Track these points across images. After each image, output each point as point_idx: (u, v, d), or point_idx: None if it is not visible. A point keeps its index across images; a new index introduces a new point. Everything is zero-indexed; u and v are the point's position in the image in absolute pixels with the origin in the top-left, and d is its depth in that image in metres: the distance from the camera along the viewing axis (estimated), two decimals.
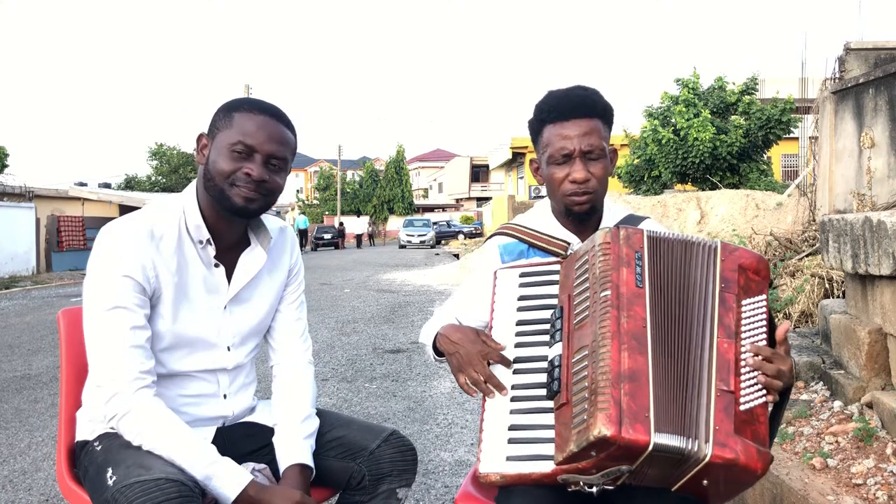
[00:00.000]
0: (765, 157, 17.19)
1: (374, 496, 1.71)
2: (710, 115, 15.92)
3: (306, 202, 54.95)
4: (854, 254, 3.12)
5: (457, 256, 23.85)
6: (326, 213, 51.53)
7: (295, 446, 1.67)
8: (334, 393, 5.12)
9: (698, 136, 15.44)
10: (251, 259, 1.73)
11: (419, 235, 36.80)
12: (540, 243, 1.71)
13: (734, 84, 16.92)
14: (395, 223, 49.31)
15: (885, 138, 5.62)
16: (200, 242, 1.65)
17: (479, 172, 58.84)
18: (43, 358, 6.79)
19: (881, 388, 3.07)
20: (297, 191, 65.90)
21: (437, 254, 28.39)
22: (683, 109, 15.89)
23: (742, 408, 1.33)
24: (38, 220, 20.35)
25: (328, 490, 1.79)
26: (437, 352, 1.70)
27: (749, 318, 1.41)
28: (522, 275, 1.60)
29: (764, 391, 1.37)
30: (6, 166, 22.98)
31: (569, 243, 1.68)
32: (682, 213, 11.13)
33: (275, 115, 1.64)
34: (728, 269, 1.42)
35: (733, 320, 1.39)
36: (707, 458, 1.28)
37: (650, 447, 1.25)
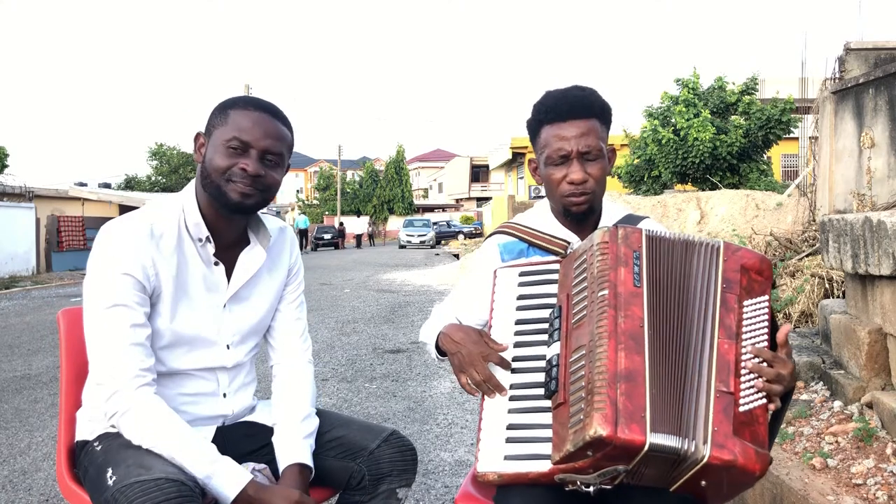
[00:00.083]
0: (765, 157, 17.19)
1: (374, 496, 1.71)
2: (710, 115, 15.92)
3: (306, 202, 54.96)
4: (854, 254, 3.12)
5: (457, 256, 23.85)
6: (326, 213, 51.54)
7: (294, 446, 1.67)
8: (334, 393, 5.12)
9: (698, 136, 15.44)
10: (251, 257, 1.73)
11: (419, 235, 36.80)
12: (540, 242, 1.71)
13: (734, 84, 16.92)
14: (395, 223, 49.32)
15: (885, 138, 5.62)
16: (200, 240, 1.65)
17: (479, 172, 58.85)
18: (43, 358, 6.79)
19: (881, 388, 3.07)
20: (297, 191, 65.93)
21: (437, 254, 28.39)
22: (683, 109, 15.89)
23: (741, 409, 1.33)
24: (38, 220, 20.35)
25: (328, 490, 1.79)
26: (440, 351, 1.70)
27: (751, 319, 1.40)
28: (522, 274, 1.60)
29: (764, 393, 1.37)
30: (6, 166, 22.98)
31: (568, 242, 1.68)
32: (682, 213, 11.13)
33: (270, 111, 1.65)
34: (730, 269, 1.42)
35: (734, 321, 1.38)
36: (705, 459, 1.28)
37: (646, 447, 1.25)
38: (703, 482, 1.33)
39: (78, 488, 1.65)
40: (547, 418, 1.40)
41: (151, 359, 1.58)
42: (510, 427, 1.44)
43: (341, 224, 42.04)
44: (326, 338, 7.52)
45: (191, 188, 1.69)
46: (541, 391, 1.43)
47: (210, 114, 1.66)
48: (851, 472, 2.57)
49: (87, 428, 1.67)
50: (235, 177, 1.59)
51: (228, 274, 1.71)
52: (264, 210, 1.83)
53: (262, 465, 1.65)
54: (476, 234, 40.43)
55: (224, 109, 1.63)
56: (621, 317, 1.34)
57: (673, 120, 16.29)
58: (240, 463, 1.55)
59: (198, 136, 1.67)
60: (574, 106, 1.63)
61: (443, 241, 38.70)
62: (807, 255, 5.85)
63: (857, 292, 3.33)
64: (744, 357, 1.37)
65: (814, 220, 6.73)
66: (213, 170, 1.60)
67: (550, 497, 1.41)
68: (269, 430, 1.76)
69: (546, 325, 1.50)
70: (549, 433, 1.38)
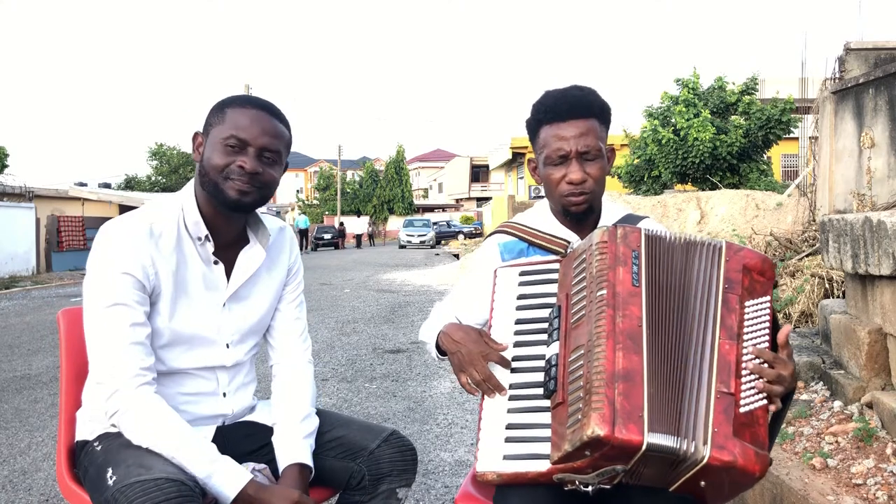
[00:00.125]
0: (765, 157, 17.19)
1: (374, 496, 1.71)
2: (710, 115, 15.93)
3: (306, 202, 54.96)
4: (854, 254, 3.12)
5: (457, 256, 23.86)
6: (326, 213, 51.54)
7: (294, 446, 1.67)
8: (334, 393, 5.12)
9: (698, 136, 15.44)
10: (250, 256, 1.73)
11: (419, 235, 36.80)
12: (540, 242, 1.71)
13: (734, 84, 16.92)
14: (395, 223, 49.32)
15: (885, 138, 5.62)
16: (199, 239, 1.66)
17: (479, 172, 58.85)
18: (43, 358, 6.79)
19: (881, 388, 3.07)
20: (297, 191, 65.92)
21: (437, 254, 28.40)
22: (683, 109, 15.90)
23: (742, 410, 1.33)
24: (38, 220, 20.35)
25: (328, 490, 1.79)
26: (440, 350, 1.70)
27: (752, 319, 1.40)
28: (522, 273, 1.60)
29: (765, 394, 1.37)
30: (6, 166, 22.99)
31: (568, 242, 1.68)
32: (682, 213, 11.13)
33: (267, 108, 1.66)
34: (732, 269, 1.42)
35: (736, 322, 1.38)
36: (705, 460, 1.27)
37: (643, 447, 1.25)
38: (703, 482, 1.33)
39: (78, 488, 1.65)
40: (546, 418, 1.40)
41: (151, 358, 1.58)
42: (509, 427, 1.44)
43: (341, 224, 42.05)
44: (326, 338, 7.52)
45: (190, 187, 1.69)
46: (540, 391, 1.43)
47: (208, 113, 1.67)
48: (851, 472, 2.57)
49: (87, 428, 1.67)
50: (233, 174, 1.60)
51: (228, 273, 1.71)
52: (264, 210, 1.84)
53: (262, 465, 1.65)
54: (476, 234, 40.44)
55: (221, 108, 1.64)
56: (619, 316, 1.34)
57: (673, 120, 16.30)
58: (240, 463, 1.55)
59: (196, 135, 1.68)
60: (573, 106, 1.63)
61: (443, 241, 38.70)
62: (807, 255, 5.86)
63: (857, 292, 3.33)
64: (745, 358, 1.37)
65: (814, 220, 6.73)
66: (211, 168, 1.61)
67: (550, 497, 1.41)
68: (269, 430, 1.76)
69: (546, 325, 1.50)
70: (548, 433, 1.38)
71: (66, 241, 21.75)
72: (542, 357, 1.47)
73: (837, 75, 6.46)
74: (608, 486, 1.34)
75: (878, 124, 5.70)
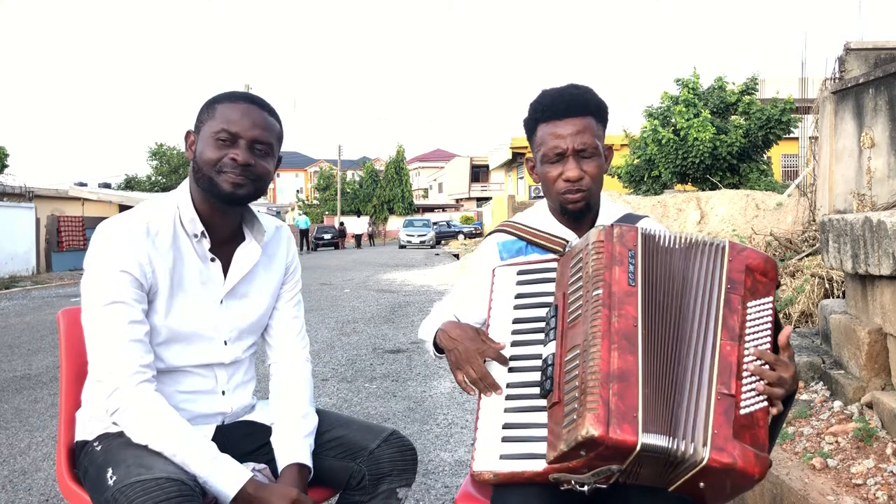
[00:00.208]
0: (765, 157, 17.19)
1: (374, 496, 1.72)
2: (710, 115, 15.93)
3: (306, 202, 54.98)
4: (854, 254, 3.12)
5: (457, 256, 23.86)
6: (326, 213, 51.55)
7: (293, 445, 1.68)
8: (334, 393, 5.12)
9: (698, 136, 15.44)
10: (246, 253, 1.74)
11: (419, 235, 36.81)
12: (538, 240, 1.72)
13: (734, 84, 16.92)
14: (395, 223, 49.34)
15: (885, 138, 5.62)
16: (196, 236, 1.67)
17: (479, 172, 58.86)
18: (43, 358, 6.79)
19: (881, 388, 3.07)
20: (297, 191, 65.93)
21: (437, 254, 28.40)
22: (683, 109, 15.90)
23: (742, 412, 1.32)
24: (38, 220, 20.35)
25: (328, 490, 1.79)
26: (438, 348, 1.70)
27: (754, 320, 1.40)
28: (520, 272, 1.60)
29: (765, 396, 1.37)
30: (6, 166, 22.99)
31: (567, 241, 1.68)
32: (682, 213, 11.13)
33: (257, 102, 1.68)
34: (735, 269, 1.41)
35: (738, 322, 1.38)
36: (704, 462, 1.27)
37: (638, 447, 1.25)
38: (702, 484, 1.32)
39: (78, 488, 1.65)
40: (542, 418, 1.40)
41: (150, 355, 1.59)
42: (506, 426, 1.44)
43: (342, 224, 42.05)
44: (326, 338, 7.52)
45: (185, 186, 1.71)
46: (537, 390, 1.43)
47: (199, 111, 1.69)
48: (851, 472, 2.57)
49: (87, 428, 1.67)
50: (226, 167, 1.61)
51: (225, 270, 1.72)
52: (264, 210, 1.84)
53: (262, 465, 1.66)
54: (476, 234, 40.44)
55: (211, 105, 1.66)
56: (615, 316, 1.34)
57: (673, 120, 16.30)
58: (240, 463, 1.55)
59: (188, 134, 1.69)
60: (570, 104, 1.64)
61: (443, 241, 38.71)
62: (807, 255, 5.86)
63: (857, 292, 3.33)
64: (746, 359, 1.36)
65: (814, 220, 6.73)
66: (203, 163, 1.62)
67: (547, 496, 1.41)
68: (268, 430, 1.76)
69: (543, 324, 1.50)
70: (544, 432, 1.38)
71: (66, 241, 21.75)
72: (539, 356, 1.47)
73: (837, 75, 6.46)
74: (604, 486, 1.34)
75: (878, 124, 5.70)
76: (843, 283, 4.58)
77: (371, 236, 45.17)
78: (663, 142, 16.07)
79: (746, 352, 1.37)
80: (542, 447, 1.37)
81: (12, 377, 5.95)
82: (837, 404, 3.15)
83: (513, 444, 1.41)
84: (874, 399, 2.96)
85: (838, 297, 4.73)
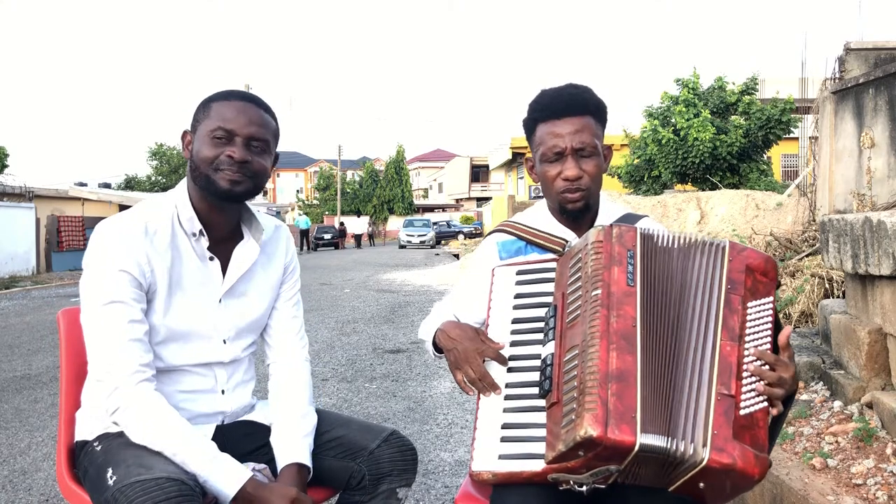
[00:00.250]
0: (765, 157, 17.19)
1: (374, 496, 1.72)
2: (710, 115, 15.93)
3: (306, 202, 54.98)
4: (854, 254, 3.12)
5: (457, 256, 23.86)
6: (326, 213, 51.56)
7: (292, 445, 1.68)
8: (334, 393, 5.12)
9: (698, 136, 15.44)
10: (245, 251, 1.75)
11: (419, 235, 36.81)
12: (538, 240, 1.72)
13: (734, 84, 16.92)
14: (395, 223, 49.33)
15: (885, 138, 5.62)
16: (194, 235, 1.67)
17: (479, 172, 58.85)
18: (43, 358, 6.79)
19: (881, 388, 3.07)
20: (298, 191, 65.95)
21: (437, 254, 28.40)
22: (683, 109, 15.90)
23: (742, 412, 1.32)
24: (38, 220, 20.35)
25: (328, 490, 1.79)
26: (437, 348, 1.70)
27: (754, 320, 1.39)
28: (519, 272, 1.60)
29: (765, 396, 1.36)
30: (6, 166, 22.99)
31: (566, 240, 1.68)
32: (682, 213, 11.14)
33: (252, 100, 1.68)
34: (735, 269, 1.41)
35: (738, 323, 1.37)
36: (704, 462, 1.27)
37: (636, 448, 1.25)
38: (702, 484, 1.32)
39: (78, 488, 1.65)
40: (541, 418, 1.40)
41: (150, 354, 1.59)
42: (505, 426, 1.44)
43: (342, 224, 42.04)
44: (326, 338, 7.52)
45: (182, 185, 1.71)
46: (536, 390, 1.43)
47: (195, 110, 1.70)
48: (851, 472, 2.57)
49: (87, 428, 1.67)
50: (223, 165, 1.61)
51: (224, 269, 1.72)
52: (264, 210, 1.84)
53: (262, 466, 1.66)
54: (476, 234, 40.44)
55: (207, 104, 1.67)
56: (614, 316, 1.34)
57: (673, 120, 16.30)
58: (240, 462, 1.55)
59: (184, 134, 1.70)
60: (568, 103, 1.64)
61: (443, 241, 38.70)
62: (807, 255, 5.86)
63: (857, 292, 3.33)
64: (746, 360, 1.36)
65: (814, 220, 6.73)
66: (200, 161, 1.63)
67: (547, 497, 1.41)
68: (268, 430, 1.76)
69: (542, 324, 1.50)
70: (543, 433, 1.38)
71: (66, 241, 21.75)
72: (538, 356, 1.47)
73: (837, 75, 6.46)
74: (603, 486, 1.34)
75: (878, 124, 5.70)
76: (843, 283, 4.58)
77: (371, 236, 45.16)
78: (663, 142, 16.07)
79: (746, 352, 1.37)
80: (540, 447, 1.37)
81: (12, 377, 5.95)
82: (837, 404, 3.15)
83: (511, 444, 1.41)
84: (874, 399, 2.96)
85: (838, 297, 4.73)
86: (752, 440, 1.31)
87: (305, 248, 34.20)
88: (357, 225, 42.09)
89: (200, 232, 1.67)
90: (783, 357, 1.40)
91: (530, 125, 1.71)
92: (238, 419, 1.79)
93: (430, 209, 56.62)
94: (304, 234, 35.14)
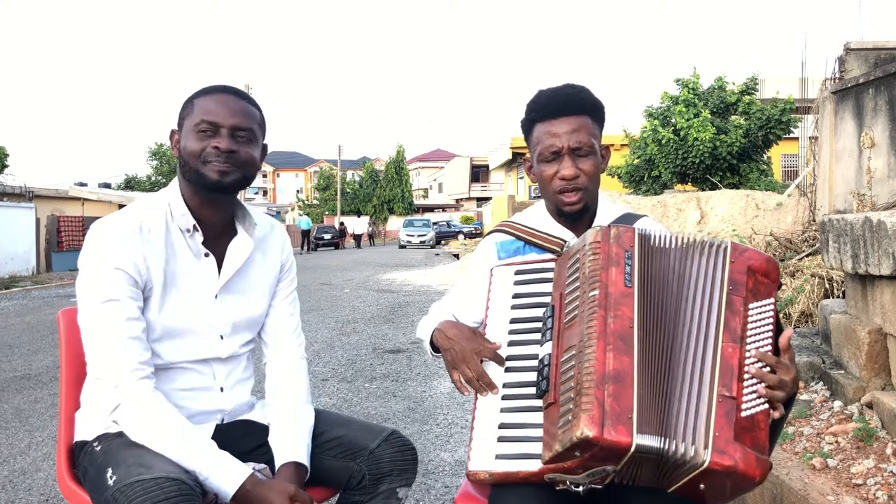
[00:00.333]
0: (765, 157, 17.19)
1: (375, 496, 1.72)
2: (710, 115, 15.92)
3: (306, 202, 54.98)
4: (854, 254, 3.12)
5: (457, 256, 23.87)
6: (326, 213, 51.58)
7: (289, 443, 1.68)
8: (334, 393, 5.12)
9: (698, 136, 15.44)
10: (239, 246, 1.75)
11: (419, 235, 36.81)
12: (536, 240, 1.72)
13: (734, 84, 16.92)
14: (395, 223, 49.35)
15: (885, 138, 5.62)
16: (188, 231, 1.68)
17: (479, 172, 58.86)
18: (43, 358, 6.79)
19: (881, 388, 3.07)
20: (298, 191, 65.99)
21: (437, 254, 28.41)
22: (683, 109, 15.90)
23: (744, 414, 1.32)
24: (38, 220, 20.35)
25: (328, 490, 1.79)
26: (435, 348, 1.70)
27: (756, 322, 1.39)
28: (517, 272, 1.60)
29: (766, 398, 1.36)
30: (6, 166, 22.99)
31: (565, 241, 1.68)
32: (682, 213, 11.13)
33: (233, 92, 1.70)
34: (737, 270, 1.40)
35: (739, 324, 1.37)
36: (706, 464, 1.27)
37: (632, 448, 1.25)
38: (702, 486, 1.32)
39: (78, 488, 1.65)
40: (538, 418, 1.40)
41: (148, 352, 1.60)
42: (502, 426, 1.44)
43: (342, 224, 42.03)
44: (326, 338, 7.52)
45: (174, 183, 1.73)
46: (533, 390, 1.43)
47: (180, 109, 1.71)
48: (851, 472, 2.57)
49: (87, 428, 1.67)
50: (210, 156, 1.63)
51: (219, 266, 1.73)
52: (264, 210, 1.84)
53: (262, 465, 1.66)
54: (476, 234, 40.44)
55: (190, 101, 1.69)
56: (611, 317, 1.34)
57: (673, 120, 16.30)
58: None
59: (172, 132, 1.72)
60: (565, 103, 1.65)
61: (443, 241, 38.71)
62: (807, 255, 5.86)
63: (857, 292, 3.33)
64: (747, 361, 1.36)
65: (814, 220, 6.73)
66: (188, 155, 1.64)
67: (546, 497, 1.41)
68: (267, 430, 1.76)
69: (540, 324, 1.50)
70: (540, 433, 1.38)
71: (66, 241, 21.75)
72: (535, 357, 1.47)
73: (837, 75, 6.46)
74: (599, 487, 1.34)
75: (878, 124, 5.70)
76: (843, 283, 4.58)
77: (371, 236, 45.16)
78: (663, 142, 16.07)
79: (748, 354, 1.36)
80: (537, 447, 1.37)
81: (12, 377, 5.95)
82: (837, 404, 3.15)
83: (508, 444, 1.41)
84: (874, 399, 2.96)
85: (838, 297, 4.73)
86: (753, 442, 1.31)
87: (306, 248, 34.18)
88: (357, 225, 42.10)
89: (194, 227, 1.68)
90: (784, 359, 1.40)
91: (528, 125, 1.71)
92: (237, 418, 1.79)
93: (430, 209, 56.63)
94: (305, 234, 35.13)
